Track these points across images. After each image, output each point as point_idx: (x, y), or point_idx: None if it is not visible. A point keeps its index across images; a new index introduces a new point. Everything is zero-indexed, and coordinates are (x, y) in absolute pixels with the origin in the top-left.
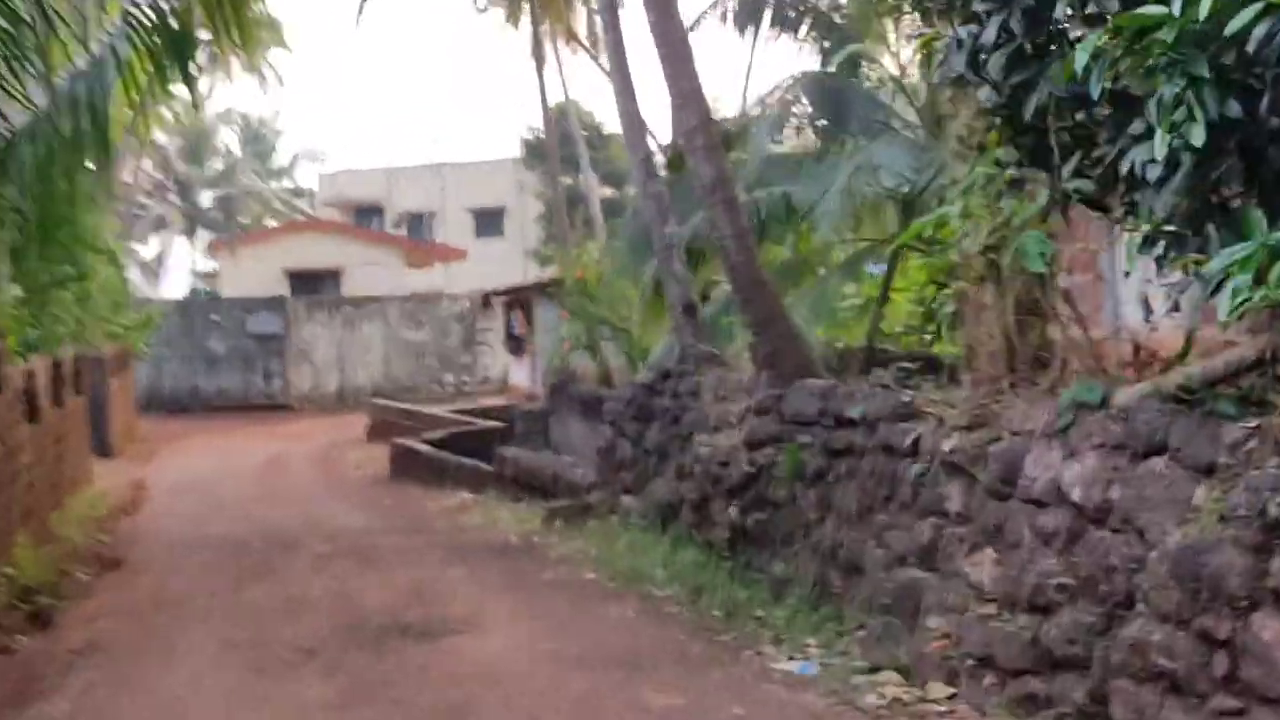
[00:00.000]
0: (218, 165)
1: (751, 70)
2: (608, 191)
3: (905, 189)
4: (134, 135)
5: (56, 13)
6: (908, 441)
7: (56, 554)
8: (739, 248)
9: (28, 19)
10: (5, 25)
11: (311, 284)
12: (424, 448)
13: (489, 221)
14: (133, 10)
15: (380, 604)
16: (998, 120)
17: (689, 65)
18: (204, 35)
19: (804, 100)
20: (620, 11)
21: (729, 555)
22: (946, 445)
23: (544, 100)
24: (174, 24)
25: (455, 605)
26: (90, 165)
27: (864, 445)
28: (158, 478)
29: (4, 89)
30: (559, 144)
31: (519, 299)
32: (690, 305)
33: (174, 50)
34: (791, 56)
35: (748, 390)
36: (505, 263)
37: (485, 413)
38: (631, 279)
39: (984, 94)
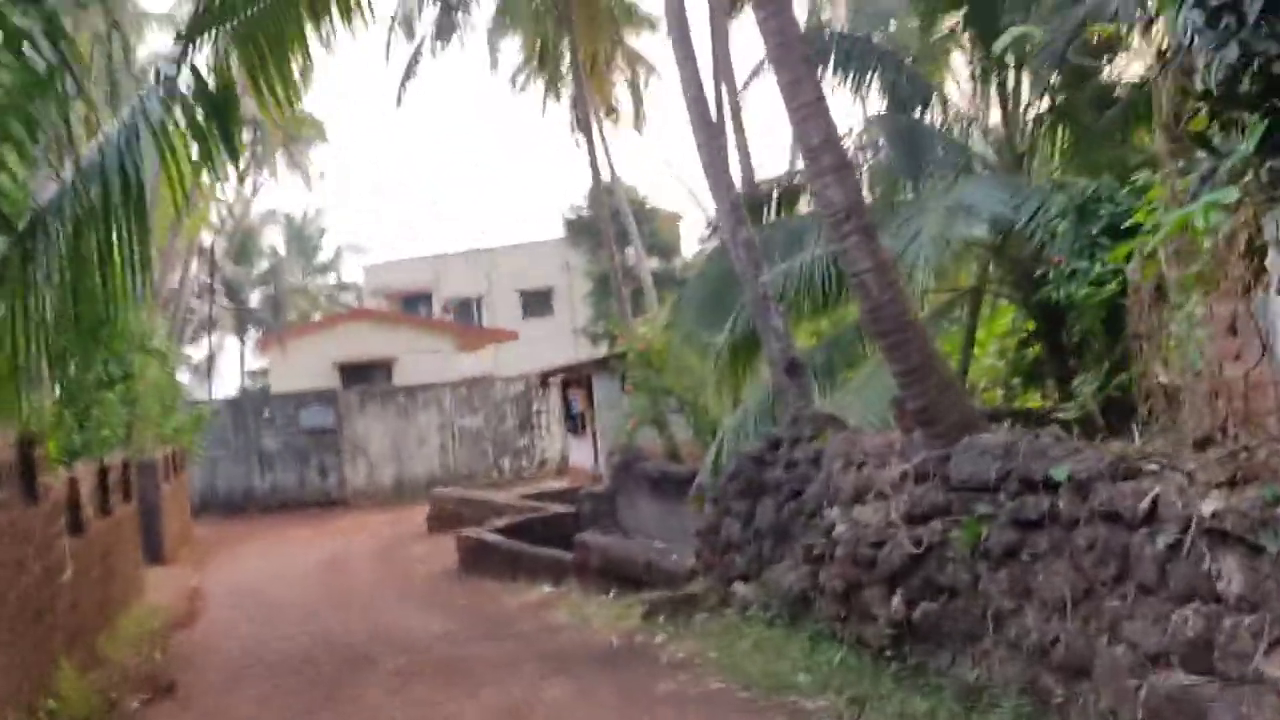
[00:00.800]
0: (264, 264)
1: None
2: (654, 264)
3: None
4: (179, 234)
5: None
6: (1142, 506)
7: (104, 680)
8: (881, 283)
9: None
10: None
11: (363, 375)
12: (494, 538)
13: (537, 302)
14: (166, 70)
15: None
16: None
17: (809, 70)
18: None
19: (880, 144)
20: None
21: (892, 655)
22: (1206, 508)
23: (595, 168)
24: (211, 83)
25: None
26: (125, 239)
27: (1072, 513)
28: (214, 585)
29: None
30: (602, 222)
31: (577, 377)
32: (795, 363)
33: (216, 113)
34: (849, 106)
35: (898, 453)
36: (554, 342)
37: (548, 496)
38: (699, 347)
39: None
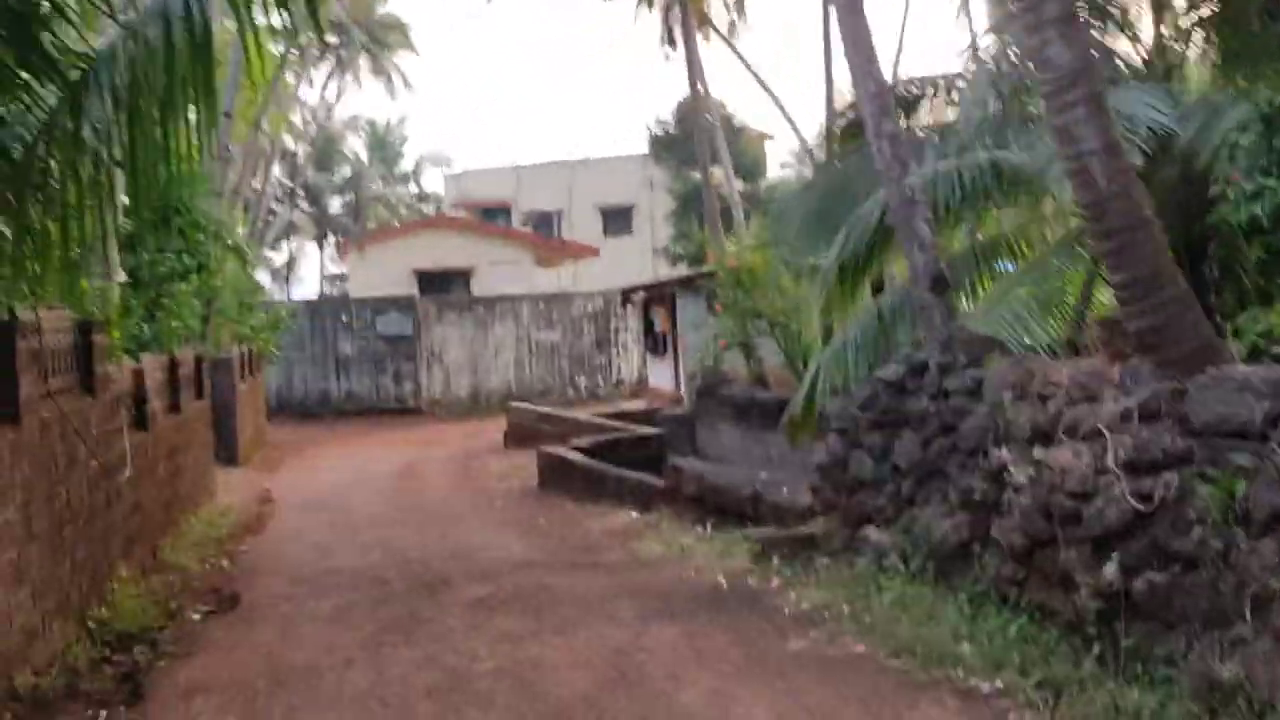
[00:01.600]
0: (345, 172)
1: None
2: (739, 185)
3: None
4: (261, 131)
5: None
6: None
7: (165, 588)
8: (1110, 169)
9: None
10: None
11: (441, 284)
12: (576, 456)
13: (617, 219)
14: None
15: (574, 694)
16: None
17: None
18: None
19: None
20: None
21: (1096, 633)
22: None
23: (692, 78)
24: None
25: (686, 697)
26: (189, 92)
27: None
28: (286, 490)
29: None
30: (688, 139)
31: (660, 295)
32: (940, 278)
33: None
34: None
35: (1115, 386)
36: (633, 261)
37: (626, 417)
38: (799, 267)
39: None
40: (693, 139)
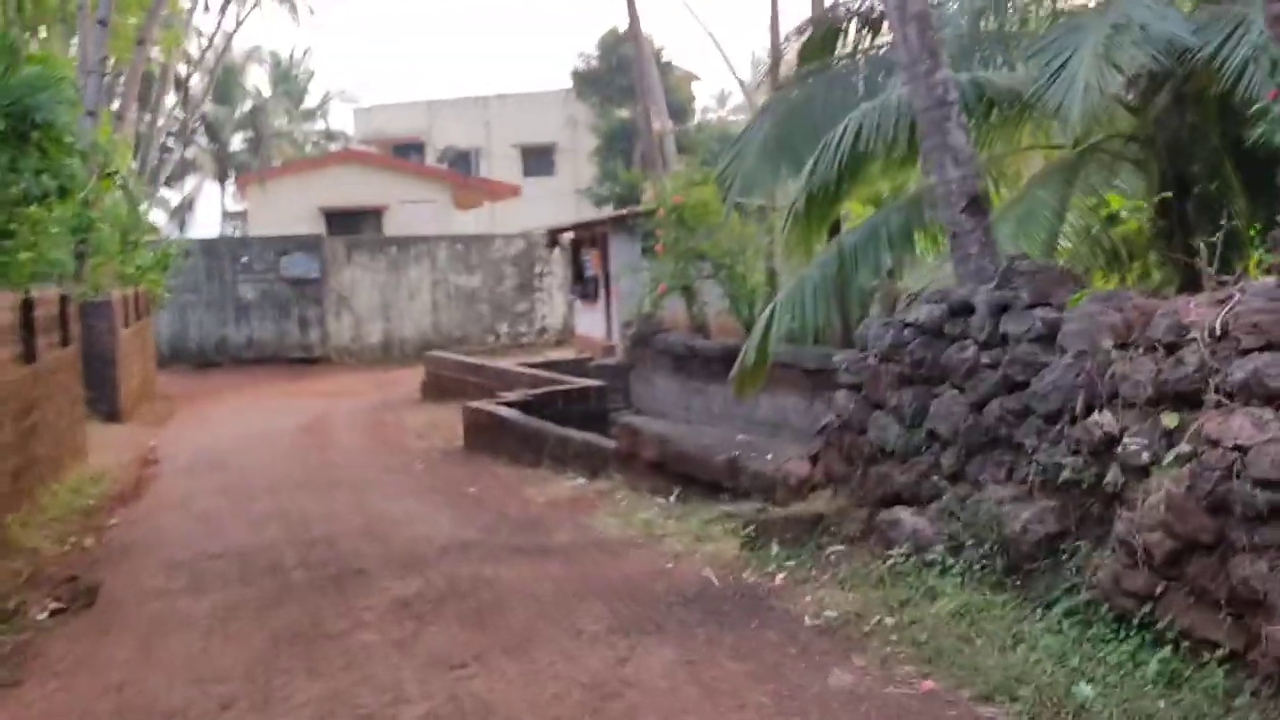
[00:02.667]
0: (246, 106)
1: None
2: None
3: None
4: (151, 59)
5: None
6: None
7: (9, 577)
8: None
9: None
10: None
11: (350, 223)
12: (510, 413)
13: (538, 159)
14: None
15: None
16: None
17: None
18: None
19: None
20: None
21: None
22: None
23: (631, 8)
24: None
25: None
26: None
27: None
28: (173, 448)
29: None
30: (614, 74)
31: (591, 236)
32: (978, 199)
33: None
34: None
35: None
36: (556, 203)
37: (555, 367)
38: (756, 203)
39: None
40: (619, 74)
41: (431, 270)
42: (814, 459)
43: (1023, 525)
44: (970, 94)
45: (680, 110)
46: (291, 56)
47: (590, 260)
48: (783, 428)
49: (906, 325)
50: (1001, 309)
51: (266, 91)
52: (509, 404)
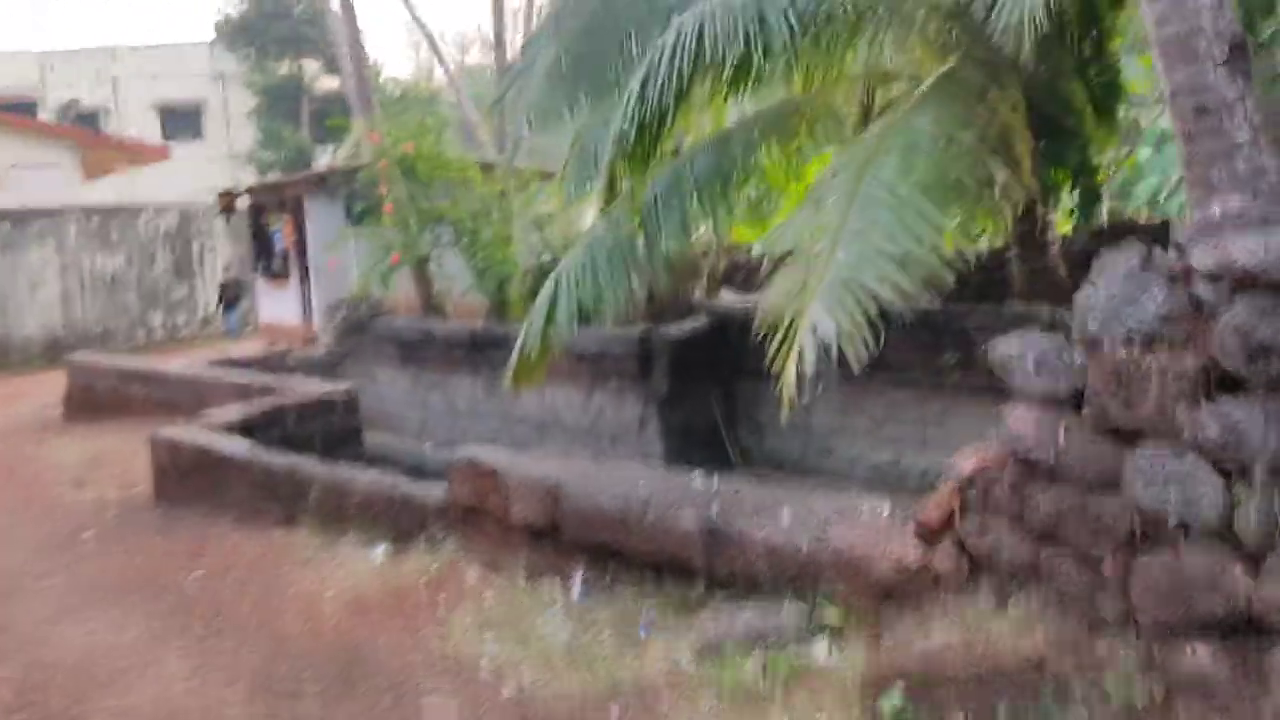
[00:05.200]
0: None
1: None
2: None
3: None
4: None
5: None
6: None
7: None
8: None
9: None
10: None
11: None
12: (234, 446)
13: (182, 120)
14: None
15: None
16: None
17: None
18: None
19: None
20: None
21: None
22: None
23: None
24: None
25: None
26: None
27: None
28: None
29: None
30: (270, 22)
31: (280, 200)
32: (1243, 44)
33: None
34: None
35: None
36: (208, 171)
37: (239, 366)
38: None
39: None
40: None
41: (59, 252)
42: (932, 530)
43: None
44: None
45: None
46: None
47: (281, 231)
48: (551, 427)
49: (1210, 278)
50: None
51: None
52: (225, 428)
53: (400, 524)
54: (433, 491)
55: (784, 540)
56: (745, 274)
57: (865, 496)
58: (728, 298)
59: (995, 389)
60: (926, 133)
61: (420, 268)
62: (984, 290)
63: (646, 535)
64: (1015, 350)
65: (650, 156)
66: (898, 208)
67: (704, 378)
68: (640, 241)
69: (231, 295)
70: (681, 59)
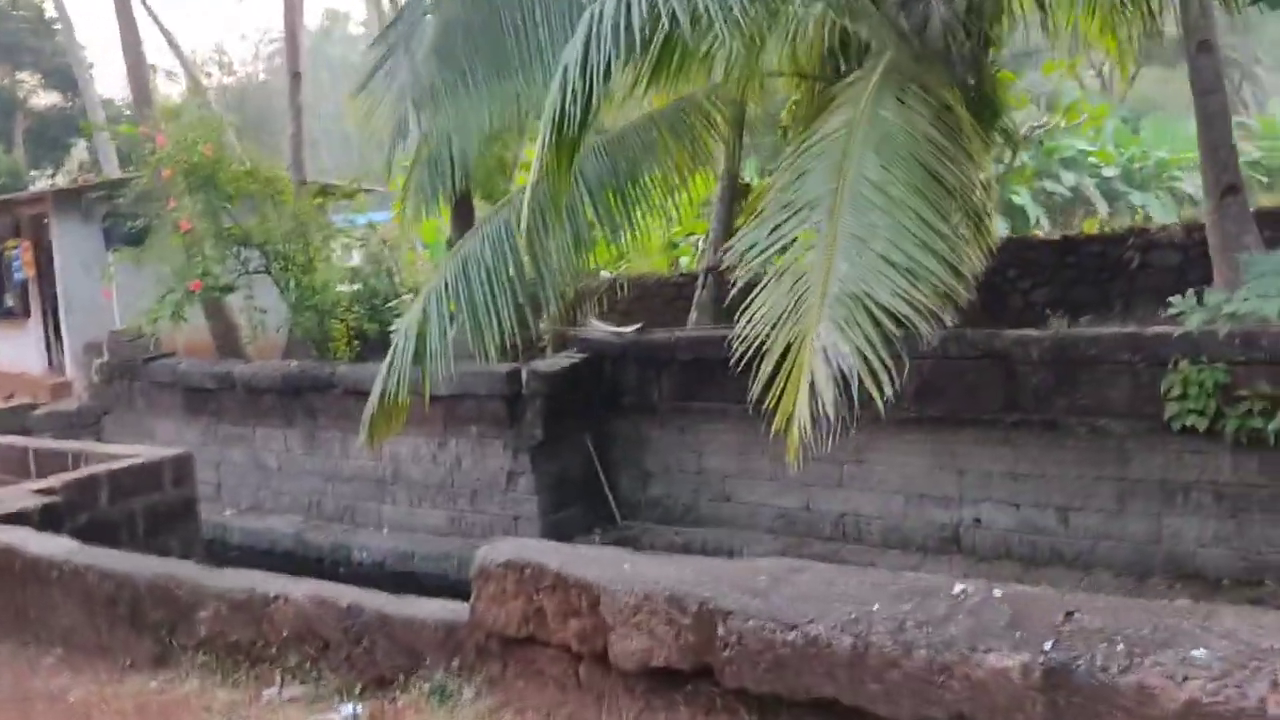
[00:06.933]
0: None
1: None
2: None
3: None
4: None
5: None
6: None
7: None
8: None
9: None
10: None
11: None
12: (45, 546)
13: None
14: None
15: None
16: None
17: None
18: None
19: None
20: None
21: None
22: None
23: None
24: None
25: None
26: None
27: None
28: None
29: None
30: None
31: (17, 224)
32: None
33: None
34: None
35: None
36: None
37: None
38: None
39: None
40: None
41: None
42: None
43: None
44: None
45: (68, 78)
46: None
47: (19, 258)
48: (394, 483)
49: None
50: None
51: None
52: (17, 517)
53: (375, 665)
54: (429, 610)
55: (1215, 692)
56: (597, 301)
57: None
58: (598, 327)
59: (927, 420)
60: (898, 126)
61: (219, 299)
62: None
63: (907, 687)
64: None
65: (572, 158)
66: (893, 211)
67: (580, 420)
68: (528, 260)
69: None
70: (603, 43)
